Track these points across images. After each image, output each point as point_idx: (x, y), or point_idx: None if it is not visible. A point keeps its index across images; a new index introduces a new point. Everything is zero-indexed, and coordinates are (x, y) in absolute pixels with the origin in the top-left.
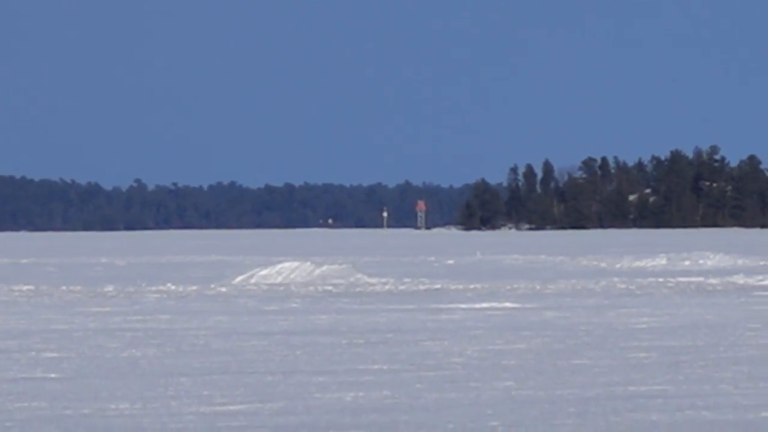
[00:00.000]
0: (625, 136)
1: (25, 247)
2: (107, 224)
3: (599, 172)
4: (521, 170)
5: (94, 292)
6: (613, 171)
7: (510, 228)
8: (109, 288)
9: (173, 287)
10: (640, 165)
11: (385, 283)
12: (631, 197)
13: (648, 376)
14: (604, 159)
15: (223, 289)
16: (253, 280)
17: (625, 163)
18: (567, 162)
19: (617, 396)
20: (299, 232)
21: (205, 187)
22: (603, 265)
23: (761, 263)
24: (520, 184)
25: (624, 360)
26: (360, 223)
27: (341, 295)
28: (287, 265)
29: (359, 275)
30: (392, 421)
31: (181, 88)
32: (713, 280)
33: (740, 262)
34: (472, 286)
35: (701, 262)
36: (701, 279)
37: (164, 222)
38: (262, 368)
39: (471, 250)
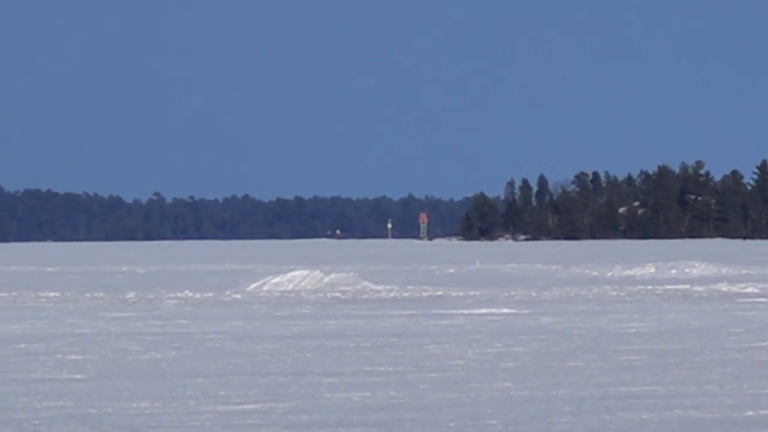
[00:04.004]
0: (615, 152)
1: (50, 256)
2: (128, 235)
3: (591, 186)
4: (518, 184)
5: (117, 299)
6: (604, 185)
7: (507, 239)
8: (131, 294)
9: (191, 294)
10: (629, 179)
11: (389, 290)
12: (621, 209)
13: (638, 377)
14: (595, 173)
15: (238, 296)
16: (265, 288)
17: (615, 177)
18: (561, 176)
19: (609, 396)
20: (309, 243)
21: (220, 200)
22: (595, 273)
23: (744, 272)
24: (516, 197)
25: (615, 362)
26: (366, 234)
27: (349, 302)
28: (298, 274)
29: (365, 283)
30: (397, 420)
31: (197, 108)
32: (699, 288)
33: (724, 270)
34: (471, 293)
35: (687, 270)
36: (687, 286)
37: (182, 233)
38: (274, 370)
39: (471, 259)
